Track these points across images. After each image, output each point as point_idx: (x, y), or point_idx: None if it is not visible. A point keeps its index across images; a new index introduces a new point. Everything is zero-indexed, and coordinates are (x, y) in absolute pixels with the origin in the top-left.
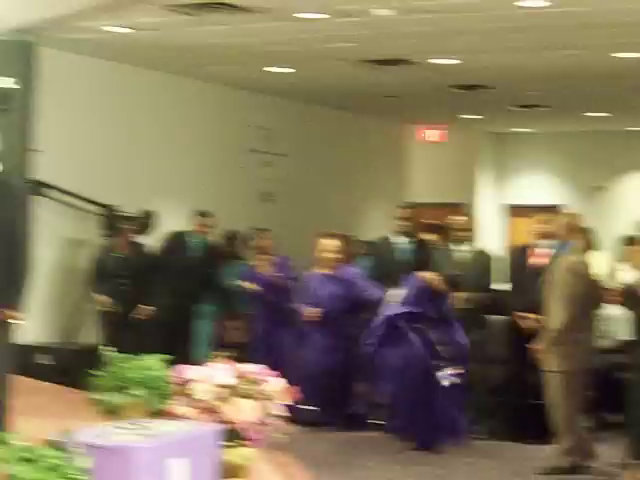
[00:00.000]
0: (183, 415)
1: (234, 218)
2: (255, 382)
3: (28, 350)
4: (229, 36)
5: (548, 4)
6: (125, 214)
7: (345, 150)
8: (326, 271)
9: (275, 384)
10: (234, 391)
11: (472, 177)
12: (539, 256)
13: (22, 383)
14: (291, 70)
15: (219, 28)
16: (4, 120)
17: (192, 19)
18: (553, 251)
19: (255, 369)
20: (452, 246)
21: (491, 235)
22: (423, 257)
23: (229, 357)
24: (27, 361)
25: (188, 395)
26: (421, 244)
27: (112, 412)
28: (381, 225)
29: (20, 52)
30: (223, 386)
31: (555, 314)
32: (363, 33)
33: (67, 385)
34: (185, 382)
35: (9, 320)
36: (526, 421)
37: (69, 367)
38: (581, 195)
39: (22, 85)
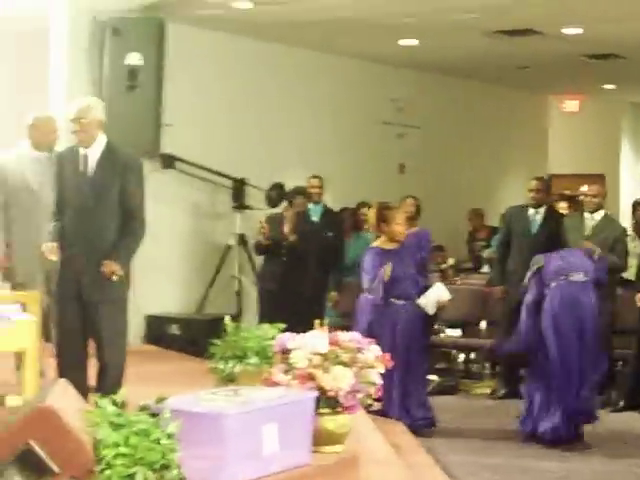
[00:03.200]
0: (280, 382)
1: (367, 190)
2: (351, 350)
3: (162, 320)
4: (354, 9)
5: None
6: (296, 187)
7: (480, 121)
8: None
9: (371, 352)
10: (330, 359)
11: (612, 147)
12: None
13: (152, 352)
14: (417, 42)
15: (343, 1)
16: (133, 96)
17: None
18: None
19: (352, 337)
20: (586, 214)
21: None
22: (552, 228)
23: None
24: (160, 331)
25: (287, 363)
26: (551, 214)
27: (229, 380)
28: (519, 198)
29: (149, 29)
30: (319, 354)
31: None
32: (487, 3)
33: (195, 355)
34: (284, 350)
35: (110, 274)
36: None
37: (198, 337)
38: None
39: (151, 61)
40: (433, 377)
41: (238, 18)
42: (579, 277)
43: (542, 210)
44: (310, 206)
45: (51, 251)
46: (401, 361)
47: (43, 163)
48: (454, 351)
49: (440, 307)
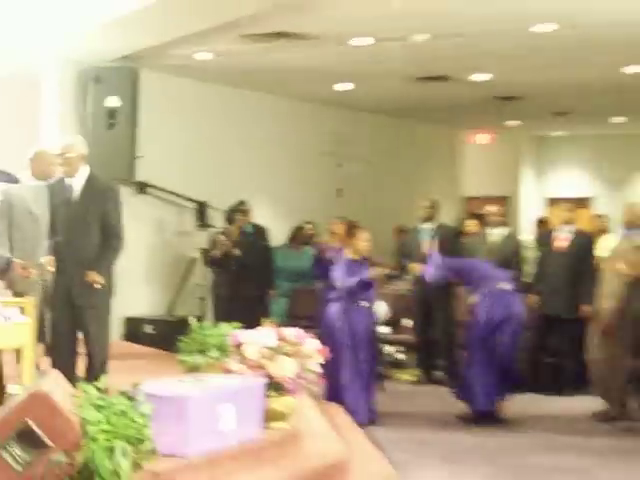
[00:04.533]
0: (236, 371)
1: (310, 210)
2: (294, 344)
3: (137, 321)
4: (294, 59)
5: (557, 27)
6: (239, 207)
7: (404, 153)
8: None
9: (311, 345)
10: (277, 351)
11: (516, 174)
12: (561, 240)
13: (130, 348)
14: (351, 86)
15: (285, 53)
16: (112, 133)
17: (263, 45)
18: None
19: (295, 332)
20: (488, 230)
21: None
22: (440, 239)
23: (300, 327)
24: (136, 330)
25: (241, 354)
26: (440, 228)
27: (193, 370)
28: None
29: (125, 76)
30: (268, 347)
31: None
32: (408, 54)
33: (166, 350)
34: (239, 344)
35: (93, 282)
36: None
37: (168, 335)
38: (607, 187)
39: (127, 103)
40: None
41: (199, 67)
42: (505, 285)
43: (432, 224)
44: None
45: (49, 264)
46: (366, 355)
47: (41, 191)
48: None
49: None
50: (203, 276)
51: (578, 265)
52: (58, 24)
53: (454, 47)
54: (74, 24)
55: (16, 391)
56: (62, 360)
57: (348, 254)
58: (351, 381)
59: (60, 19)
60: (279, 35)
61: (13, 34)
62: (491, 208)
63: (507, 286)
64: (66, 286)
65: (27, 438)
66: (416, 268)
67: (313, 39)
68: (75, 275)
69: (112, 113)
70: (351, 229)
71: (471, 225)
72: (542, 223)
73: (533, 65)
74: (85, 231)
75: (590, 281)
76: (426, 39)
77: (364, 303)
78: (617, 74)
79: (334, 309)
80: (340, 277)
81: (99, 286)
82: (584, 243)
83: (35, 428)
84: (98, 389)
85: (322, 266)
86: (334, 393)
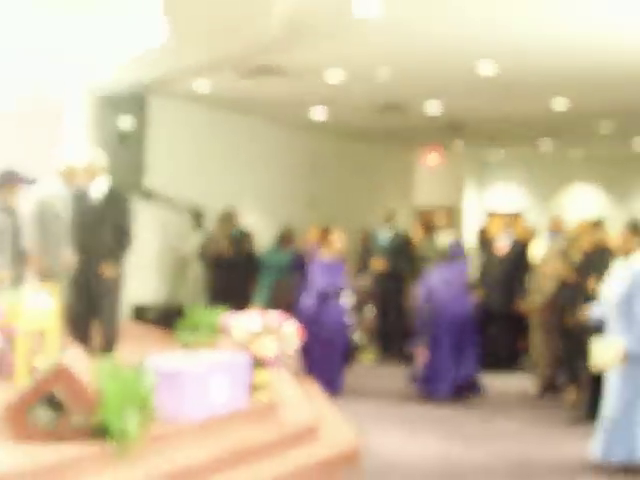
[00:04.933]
0: (225, 349)
1: (289, 217)
2: (275, 326)
3: (143, 306)
4: (277, 90)
5: (496, 66)
6: (227, 214)
7: (367, 169)
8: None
9: (290, 328)
10: (260, 333)
11: (461, 189)
12: (501, 247)
13: (137, 329)
14: (324, 114)
15: (269, 85)
16: (124, 149)
17: (251, 78)
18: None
19: (276, 317)
20: (436, 236)
21: (474, 231)
22: (398, 244)
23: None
24: (142, 314)
25: (229, 335)
26: (397, 235)
27: (188, 346)
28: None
29: (136, 102)
30: (253, 329)
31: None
32: (370, 88)
33: (166, 330)
34: (227, 326)
35: (105, 273)
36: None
37: (168, 318)
38: (536, 201)
39: (137, 124)
40: None
41: (198, 94)
42: (456, 286)
43: (389, 230)
44: None
45: (71, 257)
46: (336, 340)
47: (68, 198)
48: None
49: None
50: (198, 270)
51: (515, 268)
52: (83, 60)
53: (411, 81)
54: (96, 60)
55: (42, 364)
56: (81, 338)
57: (324, 255)
58: (324, 360)
59: (84, 56)
60: (264, 69)
61: (47, 69)
62: (439, 216)
63: (458, 285)
64: (85, 276)
65: (52, 404)
66: (376, 264)
67: (292, 74)
68: (92, 267)
69: (125, 133)
70: (326, 232)
71: (417, 232)
72: (483, 232)
73: (476, 98)
74: (102, 231)
75: (524, 281)
76: (387, 76)
77: (336, 300)
78: (545, 105)
79: (309, 303)
80: (316, 277)
81: (112, 277)
82: (520, 250)
83: (58, 395)
84: (111, 363)
85: (299, 265)
86: (309, 369)
